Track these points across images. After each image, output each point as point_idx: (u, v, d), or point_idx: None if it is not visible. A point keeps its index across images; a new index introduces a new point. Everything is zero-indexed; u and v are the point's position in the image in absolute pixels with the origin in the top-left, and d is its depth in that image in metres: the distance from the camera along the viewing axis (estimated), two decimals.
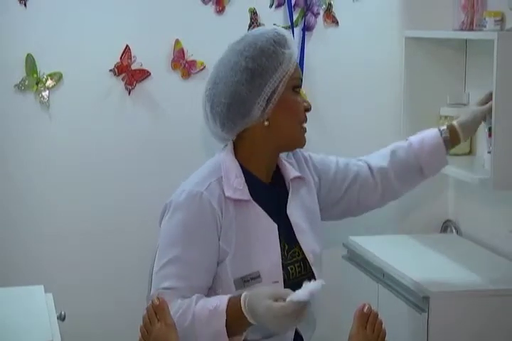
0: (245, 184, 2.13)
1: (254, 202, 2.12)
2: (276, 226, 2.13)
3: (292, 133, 2.14)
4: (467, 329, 2.63)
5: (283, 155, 2.25)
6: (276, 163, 2.21)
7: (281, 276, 2.10)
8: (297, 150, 2.28)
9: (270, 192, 2.17)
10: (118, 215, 3.25)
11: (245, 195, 2.12)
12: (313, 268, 2.16)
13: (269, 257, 2.10)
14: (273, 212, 2.15)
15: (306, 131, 2.18)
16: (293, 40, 2.17)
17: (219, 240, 2.08)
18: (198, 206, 2.09)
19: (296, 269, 2.14)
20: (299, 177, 2.21)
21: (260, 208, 2.13)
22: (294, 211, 2.17)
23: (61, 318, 2.40)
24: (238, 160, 2.17)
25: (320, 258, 2.22)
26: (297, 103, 2.14)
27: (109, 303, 3.26)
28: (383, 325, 1.96)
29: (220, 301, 1.98)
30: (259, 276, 2.08)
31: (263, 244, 2.11)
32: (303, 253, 2.15)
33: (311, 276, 2.14)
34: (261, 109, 2.10)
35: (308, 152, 2.35)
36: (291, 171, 2.20)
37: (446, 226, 3.40)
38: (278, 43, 2.11)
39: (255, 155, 2.16)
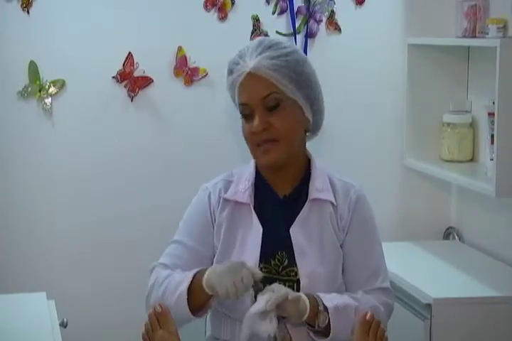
0: (250, 188, 2.14)
1: (250, 207, 2.13)
2: (261, 231, 2.11)
3: (251, 153, 2.14)
4: (470, 336, 2.62)
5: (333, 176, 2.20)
6: (298, 179, 2.16)
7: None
8: (355, 195, 2.18)
9: (280, 205, 2.14)
10: (122, 223, 3.24)
11: (244, 198, 2.13)
12: (302, 292, 2.05)
13: (247, 262, 2.07)
14: (277, 225, 2.13)
15: (266, 153, 2.08)
16: (243, 59, 2.08)
17: (213, 234, 2.16)
18: (202, 198, 2.19)
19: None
20: (323, 200, 2.13)
21: (254, 214, 2.13)
22: (298, 230, 2.11)
23: (63, 325, 2.40)
24: (259, 170, 2.19)
25: (325, 284, 2.09)
26: (243, 129, 2.11)
27: (111, 310, 3.25)
28: (386, 332, 1.95)
29: (194, 270, 2.07)
30: None
31: (245, 247, 2.12)
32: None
33: None
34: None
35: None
36: (316, 192, 2.13)
37: (448, 233, 3.40)
38: (231, 66, 2.11)
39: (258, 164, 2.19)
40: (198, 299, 2.04)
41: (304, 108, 2.11)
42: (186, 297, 2.02)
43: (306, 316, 2.00)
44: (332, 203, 2.14)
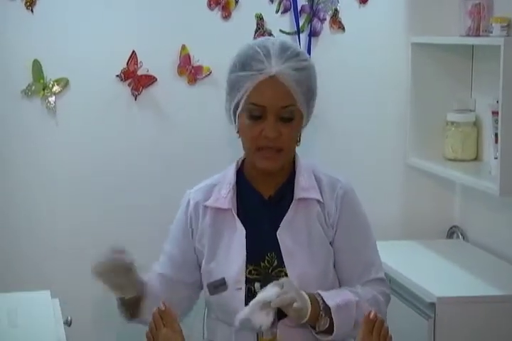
0: (231, 192, 2.13)
1: (232, 212, 2.12)
2: (244, 233, 2.10)
3: (248, 153, 2.11)
4: (473, 335, 2.62)
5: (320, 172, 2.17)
6: (283, 179, 2.14)
7: (244, 284, 2.08)
8: (342, 189, 2.14)
9: (266, 206, 2.13)
10: (124, 222, 3.24)
11: (226, 204, 2.12)
12: None
13: (234, 265, 2.09)
14: (264, 227, 2.12)
15: (269, 159, 2.07)
16: (268, 60, 2.02)
17: (193, 239, 2.17)
18: (182, 206, 2.22)
19: None
20: (309, 199, 2.11)
21: (237, 218, 2.11)
22: (285, 232, 2.10)
23: (67, 323, 2.41)
24: (243, 171, 2.17)
25: (316, 284, 2.08)
26: (247, 129, 2.06)
27: (115, 309, 3.25)
28: (389, 331, 1.95)
29: None
30: (224, 283, 2.09)
31: (231, 251, 2.11)
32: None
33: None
34: (232, 119, 2.12)
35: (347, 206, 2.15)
36: (301, 191, 2.11)
37: (452, 232, 3.40)
38: (250, 61, 2.04)
39: (249, 164, 2.15)
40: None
41: (304, 119, 2.11)
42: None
43: (305, 320, 2.00)
44: (319, 201, 2.12)
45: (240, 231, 2.10)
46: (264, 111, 2.04)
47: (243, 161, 2.19)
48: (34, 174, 3.18)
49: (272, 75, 2.02)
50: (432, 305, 2.62)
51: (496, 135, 2.77)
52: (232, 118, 2.11)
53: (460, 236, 3.35)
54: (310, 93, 2.09)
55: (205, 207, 2.15)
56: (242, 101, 2.05)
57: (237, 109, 2.08)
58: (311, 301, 2.00)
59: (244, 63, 2.05)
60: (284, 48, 2.06)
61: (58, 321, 2.33)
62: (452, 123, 3.21)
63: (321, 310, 2.01)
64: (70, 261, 3.23)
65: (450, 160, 3.22)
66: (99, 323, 3.25)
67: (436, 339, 2.62)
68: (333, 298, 2.03)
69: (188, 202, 2.18)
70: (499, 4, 2.99)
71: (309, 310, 1.99)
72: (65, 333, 2.27)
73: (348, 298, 2.05)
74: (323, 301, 2.02)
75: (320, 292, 2.04)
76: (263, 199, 2.14)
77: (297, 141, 2.12)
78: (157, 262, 2.24)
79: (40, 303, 2.46)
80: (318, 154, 3.21)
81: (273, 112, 2.03)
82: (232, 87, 2.07)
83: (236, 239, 2.11)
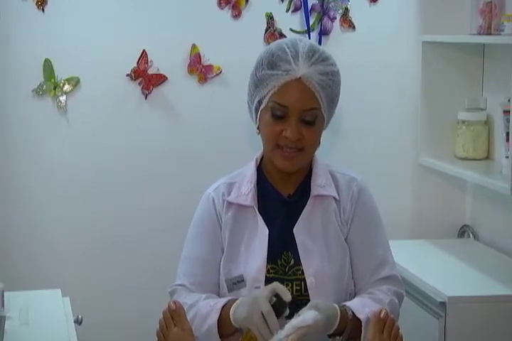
0: (253, 190, 2.12)
1: (255, 209, 2.12)
2: (267, 233, 2.10)
3: (268, 151, 2.10)
4: (484, 335, 2.62)
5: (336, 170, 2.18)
6: (301, 178, 2.15)
7: (263, 282, 2.07)
8: (356, 187, 2.16)
9: (284, 205, 2.13)
10: (137, 220, 3.25)
11: (248, 200, 2.12)
12: (309, 291, 2.06)
13: (254, 263, 2.08)
14: (282, 225, 2.11)
15: (289, 159, 2.06)
16: (295, 62, 2.01)
17: (221, 235, 2.14)
18: (206, 206, 2.17)
19: (294, 287, 2.08)
20: (325, 196, 2.12)
21: (259, 216, 2.11)
22: (302, 229, 2.10)
23: (78, 322, 2.41)
24: (262, 169, 2.17)
25: (332, 281, 2.08)
26: (268, 126, 2.05)
27: (125, 307, 3.26)
28: (400, 331, 1.95)
29: (221, 299, 2.05)
30: (243, 280, 2.09)
31: (252, 249, 2.10)
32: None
33: (307, 300, 2.04)
34: (254, 116, 2.11)
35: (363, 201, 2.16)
36: (318, 188, 2.12)
37: (463, 231, 3.39)
38: (278, 61, 2.03)
39: (268, 162, 2.15)
40: (226, 331, 2.03)
41: (325, 123, 2.12)
42: (217, 331, 2.01)
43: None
44: (335, 198, 2.13)
45: (263, 231, 2.10)
46: (287, 112, 2.03)
47: (261, 159, 2.19)
48: (46, 173, 3.18)
49: (297, 77, 2.02)
50: (443, 304, 2.62)
51: (508, 134, 2.76)
52: (254, 113, 2.11)
53: (471, 235, 3.34)
54: (333, 98, 2.08)
55: (228, 202, 2.14)
56: (266, 98, 2.05)
57: (260, 105, 2.07)
58: (341, 316, 1.97)
59: (272, 62, 2.04)
60: (312, 51, 2.04)
61: (69, 319, 2.34)
62: (463, 122, 3.20)
63: (347, 323, 1.99)
64: (81, 260, 3.24)
65: (461, 159, 3.21)
66: (109, 322, 3.25)
67: (446, 339, 2.62)
68: (361, 311, 2.01)
69: (213, 199, 2.15)
70: (511, 3, 2.97)
71: (335, 326, 1.97)
72: (76, 332, 2.27)
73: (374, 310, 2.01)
74: (353, 314, 2.00)
75: (350, 306, 2.02)
76: (282, 198, 2.14)
77: (318, 144, 2.12)
78: (193, 276, 2.14)
79: (51, 302, 2.47)
80: (329, 153, 3.20)
81: (295, 114, 2.03)
82: (257, 83, 2.06)
83: (258, 237, 2.10)
